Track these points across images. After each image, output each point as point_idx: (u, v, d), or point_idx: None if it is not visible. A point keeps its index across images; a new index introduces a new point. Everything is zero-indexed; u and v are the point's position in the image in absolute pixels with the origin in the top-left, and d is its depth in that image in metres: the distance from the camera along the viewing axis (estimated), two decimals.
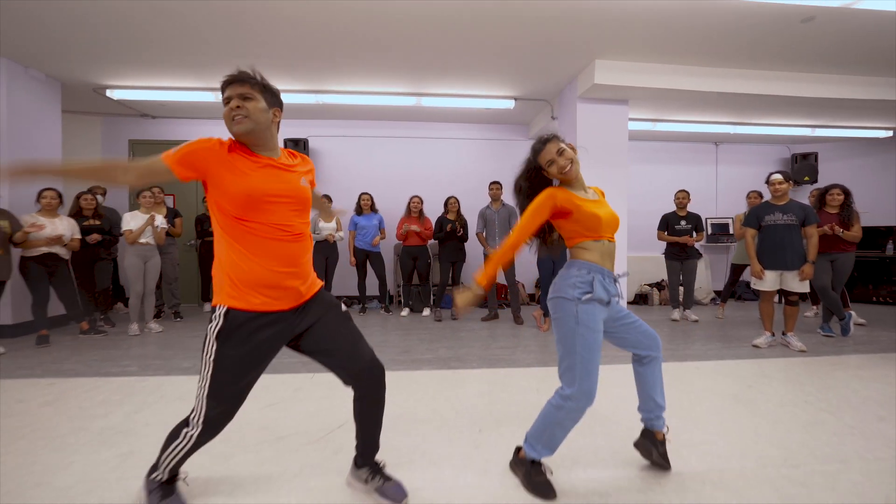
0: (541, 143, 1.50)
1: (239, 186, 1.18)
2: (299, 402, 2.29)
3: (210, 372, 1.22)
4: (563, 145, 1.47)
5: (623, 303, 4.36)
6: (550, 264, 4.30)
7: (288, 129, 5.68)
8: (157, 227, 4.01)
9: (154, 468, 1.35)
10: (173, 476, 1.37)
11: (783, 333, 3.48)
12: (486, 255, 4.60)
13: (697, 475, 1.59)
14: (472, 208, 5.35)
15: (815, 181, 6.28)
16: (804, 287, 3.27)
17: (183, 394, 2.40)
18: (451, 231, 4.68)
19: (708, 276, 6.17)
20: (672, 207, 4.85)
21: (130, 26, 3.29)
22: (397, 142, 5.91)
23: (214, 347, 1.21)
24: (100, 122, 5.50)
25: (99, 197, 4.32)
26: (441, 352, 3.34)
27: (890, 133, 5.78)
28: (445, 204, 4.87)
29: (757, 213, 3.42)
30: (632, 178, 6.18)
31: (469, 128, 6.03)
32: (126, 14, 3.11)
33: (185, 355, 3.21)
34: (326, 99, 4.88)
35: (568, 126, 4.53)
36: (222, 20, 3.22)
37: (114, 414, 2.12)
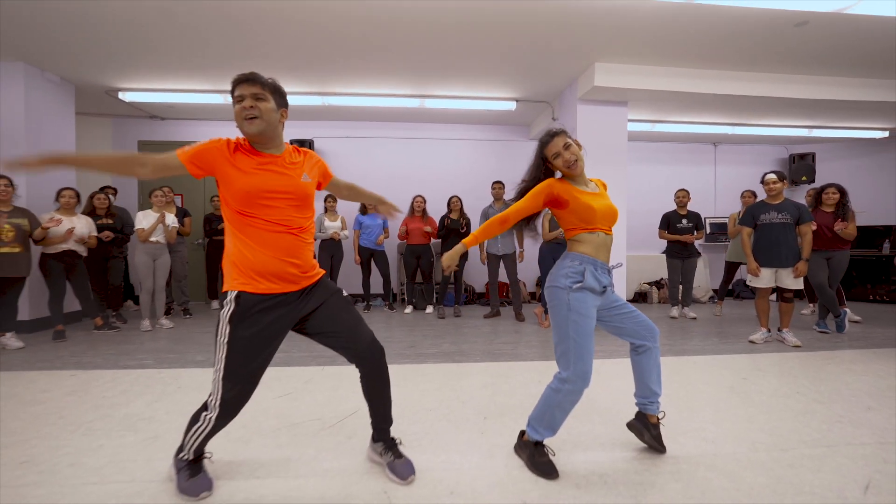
0: (549, 136, 1.58)
1: (240, 184, 1.27)
2: (310, 392, 2.39)
3: (225, 354, 1.31)
4: (569, 140, 1.56)
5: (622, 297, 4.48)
6: (551, 262, 4.39)
7: (293, 130, 5.78)
8: (168, 225, 4.11)
9: (180, 449, 1.45)
10: (199, 455, 1.46)
11: (779, 329, 3.57)
12: (487, 257, 4.70)
13: (692, 458, 1.68)
14: (474, 207, 5.44)
15: (813, 181, 6.37)
16: (798, 284, 3.36)
17: (199, 384, 2.50)
18: (451, 227, 4.77)
19: (706, 274, 6.25)
20: (671, 207, 4.94)
21: (142, 31, 3.40)
22: (400, 142, 6.01)
23: (228, 331, 1.30)
24: (110, 123, 5.61)
25: (111, 197, 4.42)
26: (445, 347, 3.44)
27: (886, 133, 5.86)
28: (448, 203, 4.97)
29: (752, 212, 3.51)
30: (631, 178, 6.27)
31: (471, 129, 6.13)
32: (138, 19, 3.22)
33: (198, 349, 3.31)
34: (331, 101, 4.99)
35: (568, 127, 4.60)
36: (230, 24, 3.32)
37: (135, 403, 2.22)
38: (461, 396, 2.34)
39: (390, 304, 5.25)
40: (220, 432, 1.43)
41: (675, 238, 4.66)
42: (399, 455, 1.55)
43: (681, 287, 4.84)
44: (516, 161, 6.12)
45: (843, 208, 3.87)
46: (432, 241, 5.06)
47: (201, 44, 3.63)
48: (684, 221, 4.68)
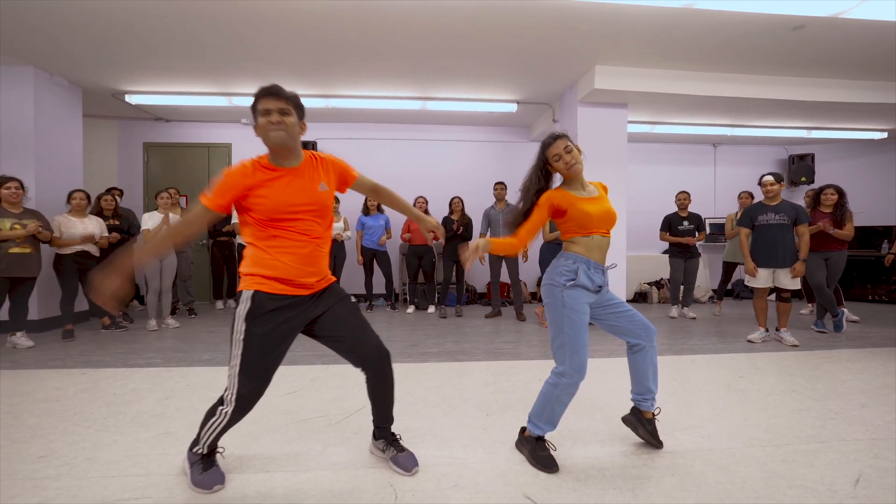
0: (551, 138, 1.63)
1: (262, 202, 1.34)
2: (317, 390, 2.44)
3: (241, 350, 1.36)
4: (570, 144, 1.62)
5: (622, 298, 4.52)
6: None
7: None
8: None
9: (195, 443, 1.51)
10: (212, 450, 1.52)
11: (777, 329, 3.61)
12: (489, 258, 4.75)
13: (688, 453, 1.73)
14: (476, 208, 5.49)
15: (812, 182, 6.40)
16: (796, 284, 3.41)
17: (207, 382, 2.56)
18: (456, 229, 4.83)
19: (706, 274, 6.29)
20: (672, 208, 4.99)
21: (147, 35, 3.46)
22: (403, 144, 6.06)
23: (244, 328, 1.36)
24: (116, 125, 5.68)
25: (117, 198, 4.48)
26: (447, 346, 3.49)
27: (885, 134, 5.90)
28: (450, 204, 5.03)
29: (750, 214, 3.56)
30: (631, 178, 6.31)
31: (472, 130, 6.19)
32: (143, 23, 3.28)
33: (205, 348, 3.37)
34: (334, 103, 5.05)
35: (569, 129, 4.67)
36: (234, 28, 3.38)
37: (146, 400, 2.28)
38: (463, 394, 2.39)
39: (392, 304, 5.30)
40: (233, 427, 1.48)
41: (676, 240, 4.71)
42: (401, 449, 1.60)
43: (682, 287, 4.88)
44: (517, 162, 6.17)
45: (841, 209, 3.91)
46: (434, 241, 5.11)
47: (205, 47, 3.69)
48: (685, 223, 4.73)
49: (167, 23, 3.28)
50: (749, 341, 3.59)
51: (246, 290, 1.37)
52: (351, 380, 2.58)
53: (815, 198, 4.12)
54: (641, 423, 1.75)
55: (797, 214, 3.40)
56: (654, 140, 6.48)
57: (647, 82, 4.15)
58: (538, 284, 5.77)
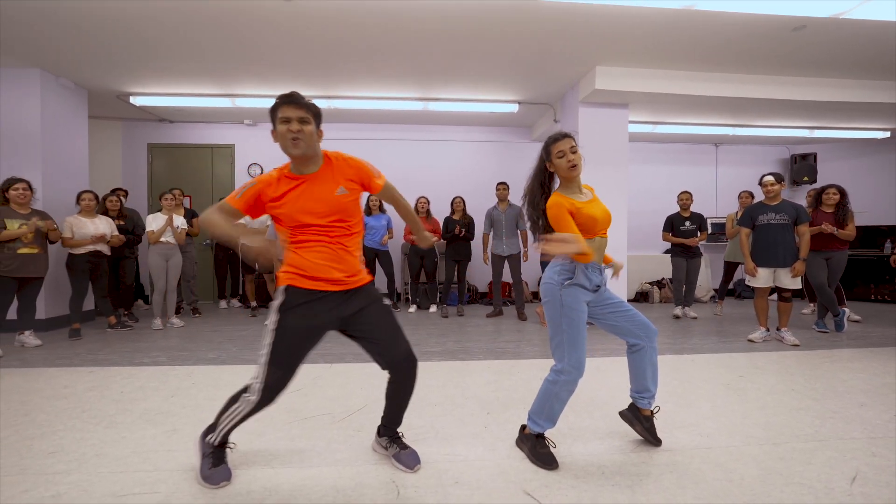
0: (560, 135, 1.66)
1: (286, 210, 1.41)
2: (320, 388, 2.47)
3: (272, 340, 1.42)
4: (576, 146, 1.65)
5: (624, 297, 4.52)
6: None
7: None
8: (177, 227, 4.22)
9: (210, 430, 1.53)
10: (224, 442, 1.54)
11: (777, 329, 3.62)
12: (492, 257, 4.78)
13: (687, 451, 1.75)
14: (477, 208, 5.52)
15: (815, 181, 6.39)
16: (796, 284, 3.42)
17: (213, 381, 2.60)
18: (458, 232, 4.86)
19: (707, 274, 6.30)
20: (674, 208, 5.00)
21: (152, 37, 3.49)
22: (405, 144, 6.09)
23: (276, 318, 1.42)
24: (121, 126, 5.73)
25: (122, 199, 4.53)
26: (449, 345, 3.52)
27: (888, 134, 5.88)
28: (451, 204, 5.05)
29: (751, 213, 3.57)
30: (633, 178, 6.32)
31: (474, 130, 6.21)
32: (148, 26, 3.31)
33: (210, 347, 3.41)
34: (337, 104, 5.08)
35: (570, 129, 4.62)
36: (238, 30, 3.41)
37: (152, 398, 2.31)
38: (465, 392, 2.42)
39: (395, 304, 5.34)
40: (249, 419, 1.50)
41: (678, 241, 4.72)
42: (404, 446, 1.63)
43: (684, 287, 4.89)
44: (519, 162, 6.19)
45: (843, 209, 3.91)
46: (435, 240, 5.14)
47: (209, 49, 3.72)
48: (688, 223, 4.74)
49: (171, 26, 3.32)
50: (750, 341, 3.60)
51: (280, 285, 1.46)
52: (353, 378, 2.61)
53: (817, 197, 4.12)
54: (638, 419, 1.78)
55: (798, 214, 3.41)
56: (656, 140, 6.49)
57: (648, 83, 4.16)
58: (539, 284, 5.78)
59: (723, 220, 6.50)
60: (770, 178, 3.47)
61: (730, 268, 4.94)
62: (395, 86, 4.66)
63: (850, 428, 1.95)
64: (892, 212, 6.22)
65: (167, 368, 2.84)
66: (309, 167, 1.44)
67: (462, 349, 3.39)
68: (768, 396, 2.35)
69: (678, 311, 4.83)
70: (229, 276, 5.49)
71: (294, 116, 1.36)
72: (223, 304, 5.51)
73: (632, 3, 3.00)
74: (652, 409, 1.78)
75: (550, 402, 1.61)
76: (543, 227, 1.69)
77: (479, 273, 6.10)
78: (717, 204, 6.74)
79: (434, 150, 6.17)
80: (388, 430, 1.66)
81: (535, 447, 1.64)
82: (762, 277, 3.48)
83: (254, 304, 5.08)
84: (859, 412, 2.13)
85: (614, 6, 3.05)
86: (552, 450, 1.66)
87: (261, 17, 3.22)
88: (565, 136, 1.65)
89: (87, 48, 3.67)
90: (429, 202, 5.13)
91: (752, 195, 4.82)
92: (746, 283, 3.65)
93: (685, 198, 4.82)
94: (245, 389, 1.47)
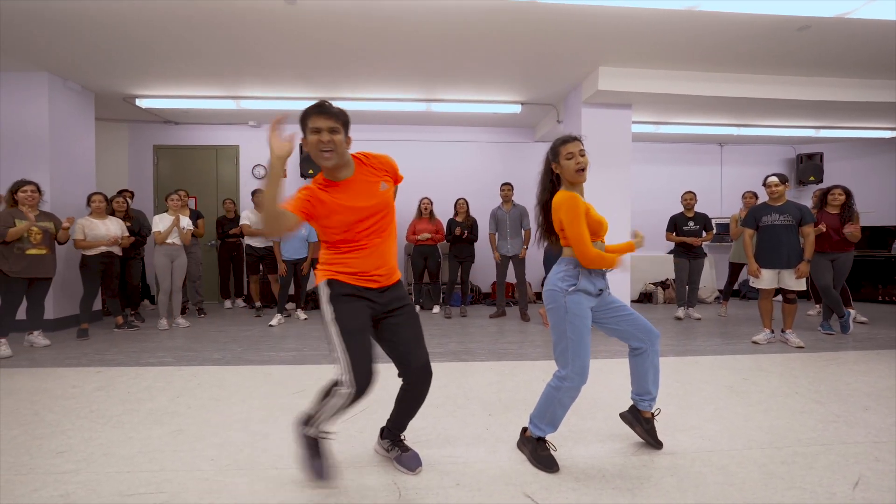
0: (570, 137, 1.66)
1: (334, 218, 1.41)
2: None
3: (338, 329, 1.40)
4: (584, 149, 1.65)
5: (626, 302, 4.52)
6: None
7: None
8: (183, 228, 4.26)
9: (308, 420, 1.49)
10: (318, 435, 1.51)
11: (782, 331, 3.60)
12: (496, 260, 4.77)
13: (688, 454, 1.75)
14: (481, 209, 5.52)
15: (821, 181, 6.34)
16: (801, 285, 3.40)
17: (218, 381, 2.62)
18: (459, 234, 4.87)
19: (712, 274, 6.26)
20: (678, 208, 4.98)
21: (158, 41, 3.53)
22: (408, 145, 6.10)
23: (332, 309, 1.43)
24: (127, 127, 5.79)
25: (128, 200, 4.58)
26: (452, 346, 3.53)
27: (895, 133, 5.82)
28: (455, 206, 5.06)
29: (755, 214, 3.55)
30: (637, 178, 6.31)
31: (477, 131, 6.21)
32: (154, 30, 3.35)
33: (215, 348, 3.45)
34: (341, 106, 5.07)
35: (573, 129, 4.67)
36: (242, 33, 3.44)
37: (158, 398, 2.35)
38: (467, 394, 2.43)
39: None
40: (341, 411, 1.42)
41: (681, 241, 4.71)
42: (406, 449, 1.65)
43: (687, 287, 4.88)
44: (522, 163, 6.19)
45: (848, 210, 3.88)
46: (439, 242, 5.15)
47: (213, 52, 3.75)
48: (691, 224, 4.72)
49: (176, 29, 3.35)
50: (754, 342, 3.58)
51: (321, 280, 1.48)
52: None
53: (822, 198, 4.09)
54: (639, 420, 1.79)
55: (802, 215, 3.39)
56: (660, 140, 6.46)
57: (652, 83, 4.14)
58: (543, 285, 5.79)
59: (727, 221, 6.47)
60: (774, 179, 3.45)
61: (734, 269, 4.92)
62: (399, 87, 4.67)
63: (854, 432, 1.95)
64: None
65: (173, 369, 2.88)
66: (344, 173, 1.46)
67: (465, 350, 3.40)
68: (771, 399, 2.35)
69: (680, 312, 4.82)
70: (233, 276, 5.54)
71: (324, 127, 1.36)
72: (228, 304, 5.56)
73: (634, 5, 3.00)
74: (652, 411, 1.78)
75: (553, 407, 1.62)
76: (546, 225, 1.69)
77: (483, 274, 6.11)
78: (721, 204, 6.70)
79: (437, 150, 6.18)
80: (392, 434, 1.67)
81: (536, 450, 1.65)
82: (766, 279, 3.47)
83: (258, 304, 5.12)
84: (863, 416, 2.12)
85: (617, 7, 3.04)
86: (553, 453, 1.66)
87: (264, 20, 3.24)
88: (574, 138, 1.65)
89: (93, 52, 3.71)
90: (432, 203, 5.15)
91: (755, 195, 4.79)
92: (750, 284, 3.64)
93: (689, 198, 4.80)
94: (335, 383, 1.42)
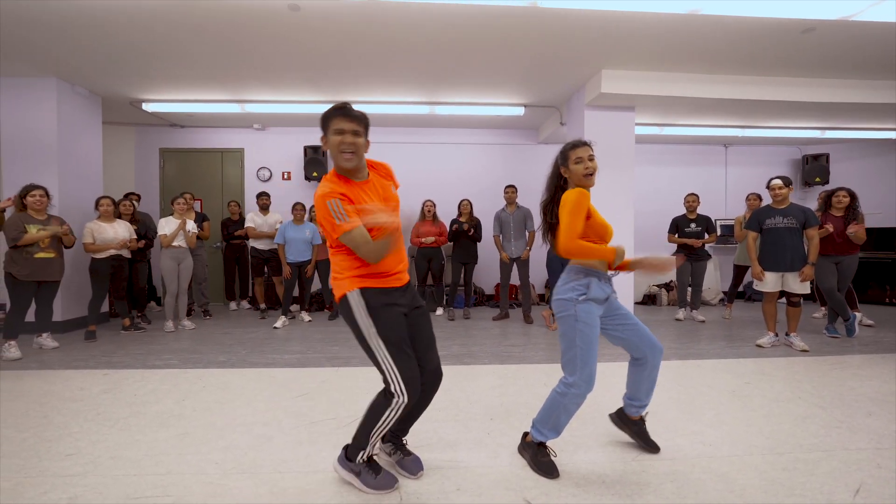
0: (581, 141, 1.68)
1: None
2: (326, 392, 2.52)
3: (382, 341, 1.40)
4: (593, 154, 1.67)
5: (630, 304, 4.51)
6: (559, 266, 4.46)
7: (309, 137, 5.95)
8: (189, 231, 4.31)
9: (354, 450, 1.50)
10: (371, 454, 1.53)
11: (786, 334, 3.58)
12: (501, 260, 4.77)
13: (688, 460, 1.76)
14: (484, 210, 5.53)
15: (827, 182, 6.29)
16: (805, 288, 3.38)
17: (223, 384, 2.66)
18: (458, 230, 4.87)
19: (717, 276, 6.23)
20: (682, 208, 4.96)
21: (163, 46, 3.57)
22: (411, 147, 6.12)
23: (371, 321, 1.41)
24: (134, 131, 5.86)
25: (135, 203, 4.63)
26: (454, 349, 3.55)
27: None
28: (458, 207, 5.07)
29: (758, 217, 3.54)
30: (641, 179, 6.29)
31: (480, 133, 6.22)
32: (160, 35, 3.39)
33: (220, 350, 3.48)
34: None
35: (576, 132, 4.68)
36: (246, 38, 3.47)
37: (164, 401, 2.38)
38: (470, 397, 2.44)
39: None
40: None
41: (681, 242, 4.70)
42: (408, 453, 1.67)
43: (690, 289, 4.86)
44: (525, 164, 6.19)
45: (853, 212, 3.85)
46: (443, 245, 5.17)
47: (218, 56, 3.79)
48: (693, 226, 4.71)
49: (181, 34, 3.39)
50: (758, 346, 3.57)
51: (349, 291, 1.42)
52: (360, 382, 2.65)
53: (826, 200, 4.07)
54: (626, 423, 1.83)
55: (806, 218, 3.37)
56: (664, 141, 6.43)
57: (655, 86, 4.14)
58: (546, 287, 5.78)
59: (732, 222, 6.44)
60: (777, 182, 3.43)
61: (739, 271, 4.90)
62: (402, 90, 4.69)
63: (857, 438, 1.94)
64: None
65: (178, 371, 2.92)
66: (361, 174, 1.49)
67: (468, 353, 3.41)
68: (774, 404, 2.34)
69: (681, 313, 4.81)
70: (239, 278, 5.58)
71: (348, 129, 1.39)
72: (233, 305, 5.60)
73: (636, 9, 3.00)
74: (640, 415, 1.81)
75: (557, 413, 1.63)
76: (548, 226, 1.71)
77: (486, 275, 6.12)
78: (726, 205, 6.66)
79: (441, 152, 6.19)
80: (394, 437, 1.68)
81: (537, 455, 1.67)
82: (770, 282, 3.45)
83: (263, 305, 5.16)
84: (866, 421, 2.11)
85: (619, 11, 3.04)
86: (553, 458, 1.67)
87: (269, 26, 3.27)
88: (584, 143, 1.67)
89: (100, 57, 3.77)
90: (435, 205, 5.16)
91: (759, 197, 4.77)
92: (754, 287, 3.62)
93: (692, 200, 4.79)
94: (388, 395, 1.44)
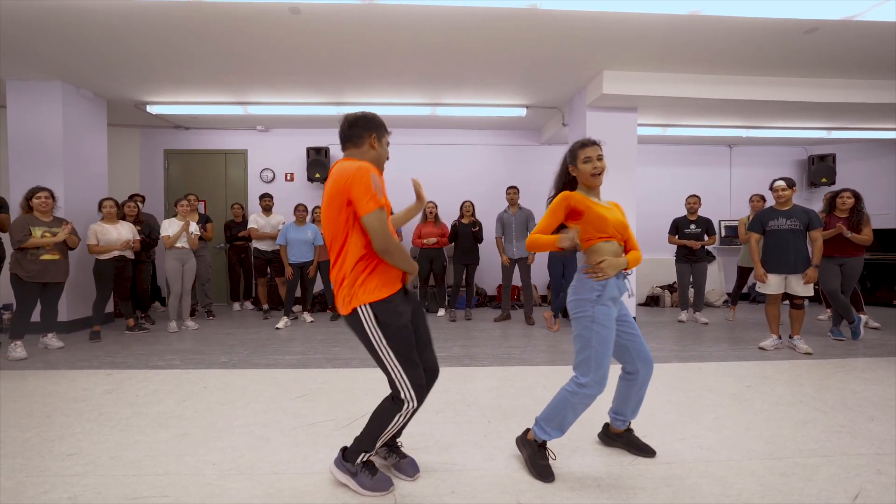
0: (590, 141, 1.69)
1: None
2: (326, 393, 2.53)
3: (393, 352, 1.43)
4: (603, 155, 1.68)
5: (632, 305, 4.49)
6: (561, 267, 4.46)
7: (311, 138, 5.99)
8: (192, 233, 4.34)
9: (357, 452, 1.52)
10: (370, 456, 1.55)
11: (790, 337, 3.55)
12: (502, 263, 4.78)
13: (686, 464, 1.75)
14: (487, 212, 5.53)
15: (833, 183, 6.22)
16: (808, 291, 3.35)
17: (224, 384, 2.68)
18: (464, 231, 4.88)
19: (721, 278, 6.19)
20: (685, 210, 4.93)
21: (167, 49, 3.61)
22: (413, 148, 6.13)
23: (382, 334, 1.42)
24: (139, 133, 5.92)
25: (139, 204, 4.68)
26: (455, 350, 3.55)
27: None
28: (461, 208, 5.07)
29: (761, 219, 3.51)
30: (644, 180, 6.26)
31: (483, 134, 6.22)
32: (164, 39, 3.43)
33: (222, 350, 3.51)
34: (346, 110, 5.13)
35: (578, 133, 4.67)
36: (249, 41, 3.50)
37: (166, 401, 2.40)
38: (467, 399, 2.44)
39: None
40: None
41: (681, 243, 4.68)
42: (403, 455, 1.67)
43: (692, 291, 4.83)
44: (528, 165, 6.18)
45: (857, 214, 3.81)
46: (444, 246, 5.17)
47: (220, 59, 3.83)
48: (693, 227, 4.69)
49: (185, 38, 3.42)
50: (761, 349, 3.54)
51: (359, 306, 1.42)
52: (359, 383, 2.66)
53: (831, 202, 4.02)
54: (613, 437, 1.85)
55: (810, 219, 3.34)
56: (668, 142, 6.40)
57: (657, 86, 4.12)
58: (548, 288, 5.77)
59: (736, 223, 6.39)
60: (781, 183, 3.40)
61: (743, 272, 4.87)
62: (404, 91, 4.71)
63: (858, 443, 1.92)
64: None
65: (180, 372, 2.94)
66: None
67: (467, 354, 3.41)
68: (774, 408, 2.32)
69: (683, 315, 4.78)
70: (242, 279, 5.62)
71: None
72: (237, 306, 5.64)
73: (637, 10, 2.99)
74: (623, 428, 1.83)
75: (565, 411, 1.62)
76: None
77: (488, 276, 6.12)
78: (731, 206, 6.61)
79: (443, 153, 6.20)
80: (391, 439, 1.68)
81: (535, 457, 1.65)
82: (773, 284, 3.42)
83: (266, 306, 5.20)
84: (868, 426, 2.09)
85: (619, 13, 3.03)
86: (552, 461, 1.67)
87: (270, 29, 3.30)
88: (594, 143, 1.68)
89: (105, 60, 3.81)
90: (437, 206, 5.17)
91: (763, 198, 4.73)
92: (757, 289, 3.59)
93: (693, 201, 4.77)
94: (397, 402, 1.46)
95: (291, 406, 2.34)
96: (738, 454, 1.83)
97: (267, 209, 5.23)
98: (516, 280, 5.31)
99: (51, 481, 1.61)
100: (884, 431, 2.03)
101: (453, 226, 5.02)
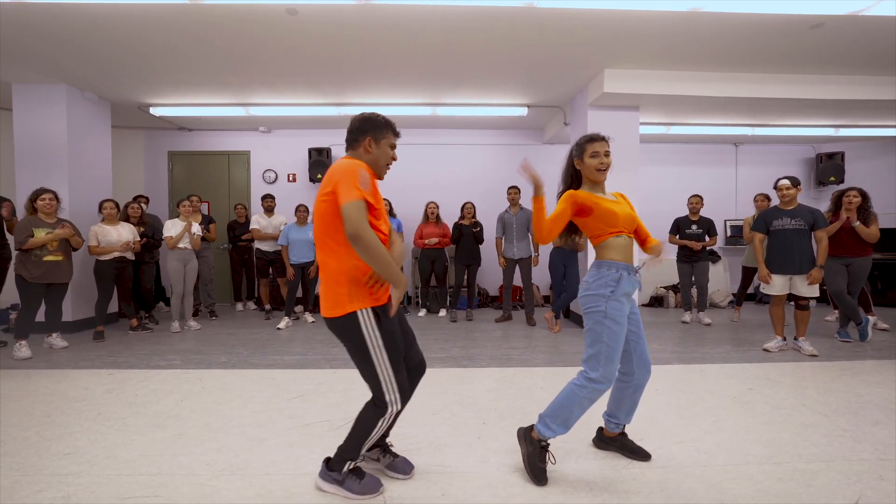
0: (598, 136, 1.68)
1: (381, 220, 1.47)
2: (322, 394, 2.54)
3: (386, 353, 1.42)
4: (609, 149, 1.67)
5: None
6: (562, 268, 4.42)
7: (312, 139, 6.01)
8: (194, 233, 4.38)
9: (341, 461, 1.51)
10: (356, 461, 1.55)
11: (795, 338, 3.49)
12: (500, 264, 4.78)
13: (681, 468, 1.72)
14: (488, 212, 5.51)
15: (842, 181, 6.11)
16: (813, 291, 3.29)
17: (223, 385, 2.69)
18: (465, 232, 4.87)
19: (726, 278, 6.11)
20: (687, 211, 4.88)
21: (170, 52, 3.64)
22: (414, 149, 6.12)
23: (378, 333, 1.42)
24: (142, 135, 5.98)
25: (143, 205, 4.73)
26: (454, 351, 3.54)
27: None
28: (462, 209, 5.06)
29: (765, 218, 3.46)
30: (649, 179, 6.20)
31: (484, 134, 6.19)
32: (167, 42, 3.46)
33: (223, 350, 3.53)
34: (347, 111, 5.16)
35: (580, 131, 4.63)
36: (251, 44, 3.52)
37: (164, 401, 2.42)
38: (464, 401, 2.43)
39: (404, 308, 5.39)
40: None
41: (682, 243, 4.64)
42: (395, 455, 1.67)
43: (695, 291, 4.78)
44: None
45: (864, 212, 3.74)
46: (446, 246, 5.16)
47: (222, 61, 3.85)
48: (694, 227, 4.64)
49: (186, 41, 3.44)
50: (765, 350, 3.49)
51: (359, 310, 1.41)
52: (356, 385, 2.66)
53: (837, 201, 3.94)
54: (607, 441, 1.83)
55: (815, 219, 3.28)
56: (672, 140, 6.33)
57: (659, 84, 4.07)
58: (550, 289, 5.74)
59: (741, 223, 6.30)
60: (785, 182, 3.35)
61: (747, 273, 4.80)
62: (404, 91, 4.70)
63: (860, 448, 1.88)
64: None
65: (180, 372, 2.97)
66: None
67: (467, 355, 3.40)
68: (776, 411, 2.28)
69: (687, 316, 4.73)
70: (245, 279, 5.66)
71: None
72: (239, 306, 5.68)
73: (638, 7, 2.95)
74: (618, 432, 1.81)
75: (571, 407, 1.59)
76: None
77: (490, 277, 6.10)
78: (736, 206, 6.53)
79: (444, 154, 6.19)
80: (379, 440, 1.67)
81: (535, 457, 1.63)
82: (777, 284, 3.37)
83: (268, 306, 5.23)
84: (872, 431, 2.04)
85: (619, 10, 3.00)
86: (551, 465, 1.66)
87: (268, 31, 3.30)
88: (602, 138, 1.67)
89: (109, 64, 3.85)
90: (438, 207, 5.16)
91: (768, 198, 4.66)
92: (761, 290, 3.54)
93: (695, 202, 4.71)
94: (382, 405, 1.45)
95: (288, 407, 2.35)
96: (736, 458, 1.80)
97: (269, 210, 5.26)
98: (518, 280, 5.29)
99: (46, 480, 1.63)
100: (888, 436, 1.99)
101: (456, 226, 5.01)
